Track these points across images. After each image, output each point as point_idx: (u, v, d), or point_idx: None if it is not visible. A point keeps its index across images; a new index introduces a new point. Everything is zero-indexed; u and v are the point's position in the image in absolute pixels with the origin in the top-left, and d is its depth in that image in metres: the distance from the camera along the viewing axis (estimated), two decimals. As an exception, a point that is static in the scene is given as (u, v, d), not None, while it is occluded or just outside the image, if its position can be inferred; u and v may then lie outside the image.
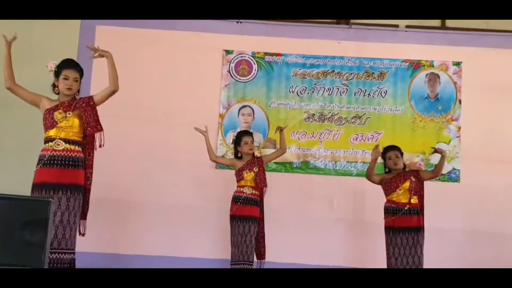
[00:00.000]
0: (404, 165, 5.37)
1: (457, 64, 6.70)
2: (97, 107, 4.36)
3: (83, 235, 4.40)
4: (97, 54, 4.39)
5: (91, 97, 4.40)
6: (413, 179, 5.20)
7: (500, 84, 6.63)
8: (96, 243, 6.35)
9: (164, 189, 6.57)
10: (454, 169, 6.51)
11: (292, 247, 6.46)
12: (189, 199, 6.55)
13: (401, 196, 5.16)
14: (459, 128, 6.61)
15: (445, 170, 6.47)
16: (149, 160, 6.61)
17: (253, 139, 5.42)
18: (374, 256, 6.23)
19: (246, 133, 5.53)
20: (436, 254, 5.91)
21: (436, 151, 5.38)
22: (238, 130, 6.61)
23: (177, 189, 6.57)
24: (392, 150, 5.32)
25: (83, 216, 4.38)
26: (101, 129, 4.34)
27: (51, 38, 6.60)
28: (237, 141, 5.44)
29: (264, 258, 5.44)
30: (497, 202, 6.47)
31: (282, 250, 6.42)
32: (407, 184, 5.17)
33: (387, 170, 5.36)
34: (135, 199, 6.54)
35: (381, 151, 5.38)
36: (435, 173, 5.36)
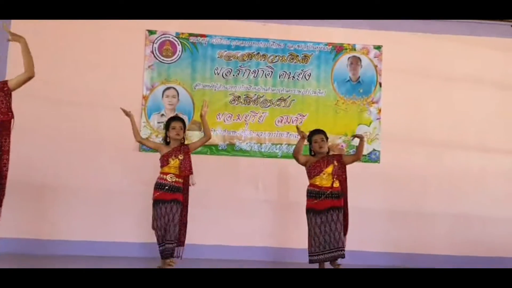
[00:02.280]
0: (328, 149, 5.47)
1: (378, 48, 6.87)
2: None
3: None
4: (11, 38, 4.21)
5: (5, 82, 4.22)
6: (336, 164, 5.32)
7: (419, 67, 6.87)
8: (12, 228, 6.13)
9: (86, 172, 6.42)
10: (374, 150, 6.71)
11: (218, 228, 6.49)
12: (112, 182, 6.44)
13: (324, 180, 5.27)
14: (380, 110, 6.80)
15: (365, 151, 6.69)
16: (70, 143, 6.43)
17: (182, 125, 5.32)
18: (299, 236, 6.36)
19: (175, 118, 5.45)
20: (357, 233, 6.10)
21: (356, 136, 5.50)
22: (162, 112, 6.54)
23: (100, 172, 6.43)
24: (318, 134, 5.41)
25: None
26: (12, 116, 4.21)
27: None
28: (166, 126, 5.37)
29: (183, 245, 5.36)
30: (415, 182, 6.73)
31: (208, 232, 6.45)
32: (330, 169, 5.29)
33: (312, 153, 5.44)
34: (55, 182, 6.35)
35: (306, 133, 5.44)
36: (357, 156, 5.49)
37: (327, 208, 5.20)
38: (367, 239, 6.47)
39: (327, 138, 5.45)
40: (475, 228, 6.65)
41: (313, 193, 5.27)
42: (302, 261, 5.97)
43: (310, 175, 5.34)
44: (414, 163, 6.73)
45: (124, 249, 6.28)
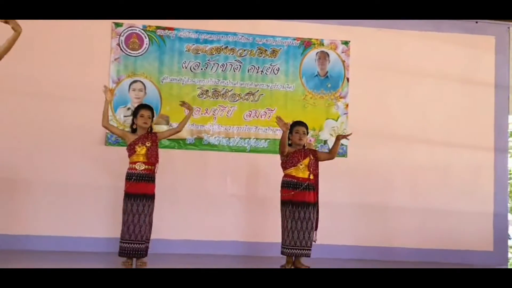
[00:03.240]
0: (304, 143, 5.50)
1: (346, 43, 6.92)
2: None
3: None
4: (12, 24, 4.08)
5: None
6: (312, 157, 5.36)
7: (386, 63, 6.94)
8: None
9: (52, 166, 6.29)
10: (342, 144, 6.71)
11: (186, 223, 6.45)
12: (79, 176, 6.33)
13: (301, 171, 5.29)
14: (347, 105, 6.85)
15: (333, 146, 6.74)
16: (36, 136, 6.30)
17: (151, 114, 5.28)
18: (267, 230, 6.39)
19: (144, 106, 5.39)
20: (325, 227, 6.13)
21: (344, 136, 5.54)
22: (129, 105, 6.45)
23: (66, 166, 6.32)
24: (302, 126, 5.44)
25: None
26: None
27: None
28: (134, 113, 5.31)
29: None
30: (382, 176, 6.81)
31: (177, 227, 6.41)
32: (307, 161, 5.32)
33: (289, 143, 5.42)
34: (21, 177, 6.20)
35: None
36: (331, 155, 5.54)
37: (305, 203, 5.22)
38: (335, 233, 6.51)
39: (307, 133, 5.50)
40: (441, 222, 6.76)
41: (291, 184, 5.28)
42: (271, 255, 6.00)
43: (287, 166, 5.34)
44: (380, 157, 6.81)
45: (92, 244, 6.18)
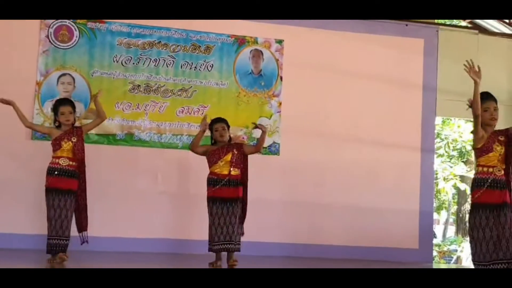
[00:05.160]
0: (230, 137, 5.46)
1: (280, 42, 6.97)
2: None
3: None
4: None
5: None
6: (235, 152, 5.31)
7: (319, 62, 7.03)
8: None
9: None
10: (274, 142, 6.80)
11: (115, 220, 6.35)
12: (3, 171, 6.14)
13: (223, 167, 5.26)
14: (280, 103, 6.90)
15: (266, 143, 6.75)
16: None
17: (71, 109, 5.08)
18: (198, 227, 6.33)
19: (63, 102, 5.17)
20: (255, 224, 6.16)
21: (257, 127, 5.55)
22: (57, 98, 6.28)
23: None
24: (219, 122, 5.37)
25: None
26: None
27: None
28: (54, 110, 5.12)
29: (86, 230, 5.22)
30: (313, 174, 6.90)
31: (106, 224, 6.27)
32: (228, 156, 5.27)
33: (213, 141, 5.40)
34: None
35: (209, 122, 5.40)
36: (257, 147, 5.51)
37: (226, 198, 5.19)
38: (265, 230, 6.55)
39: (228, 127, 5.41)
40: (369, 220, 6.90)
41: (211, 181, 5.26)
42: (201, 253, 5.95)
43: (210, 163, 5.31)
44: (312, 155, 6.89)
45: (16, 241, 6.00)
